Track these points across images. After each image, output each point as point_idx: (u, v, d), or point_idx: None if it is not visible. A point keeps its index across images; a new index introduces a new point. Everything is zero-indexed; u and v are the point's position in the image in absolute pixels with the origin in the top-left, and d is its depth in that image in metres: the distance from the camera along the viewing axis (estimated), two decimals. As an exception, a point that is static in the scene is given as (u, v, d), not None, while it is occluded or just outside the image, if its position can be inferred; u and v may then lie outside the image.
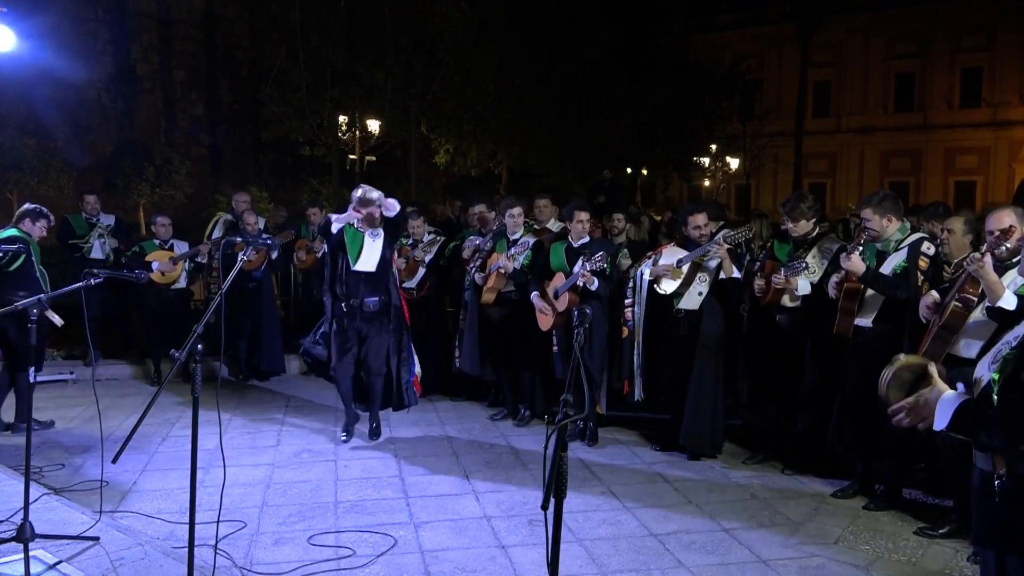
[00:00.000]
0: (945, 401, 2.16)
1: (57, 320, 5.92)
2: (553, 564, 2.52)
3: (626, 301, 6.08)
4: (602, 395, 6.25)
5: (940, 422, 2.15)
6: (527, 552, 4.23)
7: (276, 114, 17.30)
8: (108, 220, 8.94)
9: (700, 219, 5.81)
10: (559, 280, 6.18)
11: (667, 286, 5.79)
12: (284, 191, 19.54)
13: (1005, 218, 4.09)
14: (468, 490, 5.19)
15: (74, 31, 18.03)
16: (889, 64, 33.80)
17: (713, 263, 5.68)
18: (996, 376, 2.11)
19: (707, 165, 28.60)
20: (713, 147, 28.33)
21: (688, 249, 5.77)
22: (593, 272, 5.81)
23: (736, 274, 5.61)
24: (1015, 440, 1.99)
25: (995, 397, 2.09)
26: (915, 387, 2.29)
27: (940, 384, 2.23)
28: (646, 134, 23.22)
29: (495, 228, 7.09)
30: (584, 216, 6.21)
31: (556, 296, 6.14)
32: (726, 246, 5.52)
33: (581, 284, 5.88)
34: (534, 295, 6.26)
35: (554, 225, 7.35)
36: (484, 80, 17.70)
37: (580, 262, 5.87)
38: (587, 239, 6.24)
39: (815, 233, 5.45)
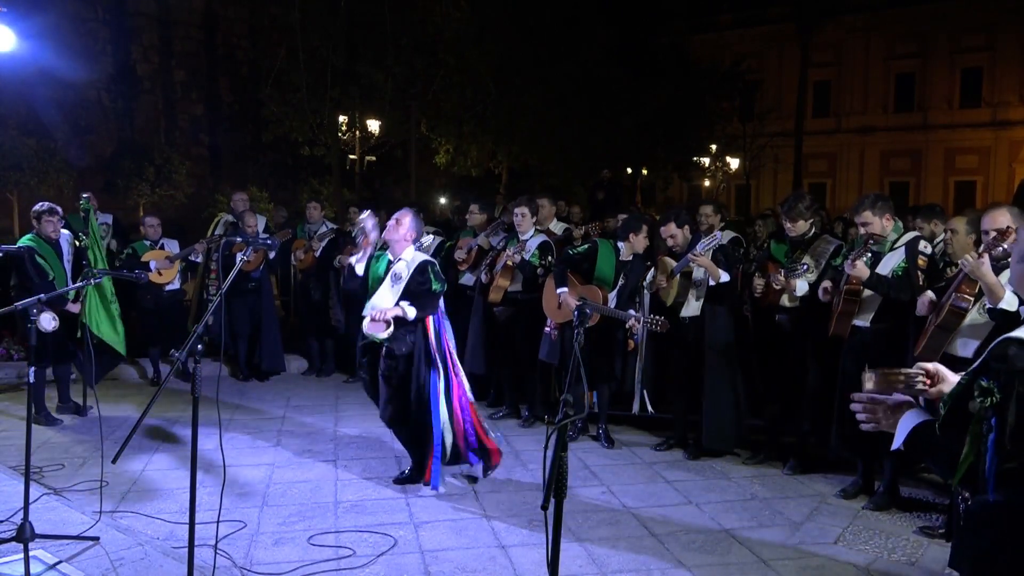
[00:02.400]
0: (906, 419, 2.11)
1: (45, 324, 5.65)
2: (553, 564, 2.52)
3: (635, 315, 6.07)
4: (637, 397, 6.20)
5: (897, 440, 2.11)
6: (527, 552, 4.23)
7: (276, 114, 17.30)
8: (105, 219, 8.91)
9: (667, 230, 5.88)
10: (593, 294, 5.96)
11: (667, 297, 5.84)
12: (284, 191, 19.54)
13: (1000, 218, 4.08)
14: (468, 490, 5.19)
15: (74, 31, 18.03)
16: (889, 64, 33.78)
17: (700, 272, 5.70)
18: (942, 406, 2.04)
19: (707, 165, 28.59)
20: (713, 147, 28.32)
21: (678, 260, 5.83)
22: (644, 325, 5.70)
23: (724, 278, 5.61)
24: (952, 467, 1.94)
25: (937, 427, 2.03)
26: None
27: (904, 404, 2.16)
28: (646, 134, 23.22)
29: (490, 229, 7.10)
30: (646, 231, 6.16)
31: (589, 312, 6.04)
32: (702, 256, 5.55)
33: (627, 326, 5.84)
34: (563, 291, 6.02)
35: (556, 226, 7.34)
36: (484, 80, 17.69)
37: (639, 315, 5.72)
38: (632, 255, 6.15)
39: (812, 233, 5.47)
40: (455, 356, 5.31)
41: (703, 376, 5.76)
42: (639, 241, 6.09)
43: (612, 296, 6.02)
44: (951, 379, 2.20)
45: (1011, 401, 1.85)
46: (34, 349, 3.89)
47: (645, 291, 5.96)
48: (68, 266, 6.69)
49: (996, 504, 1.89)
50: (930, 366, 2.24)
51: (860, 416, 2.20)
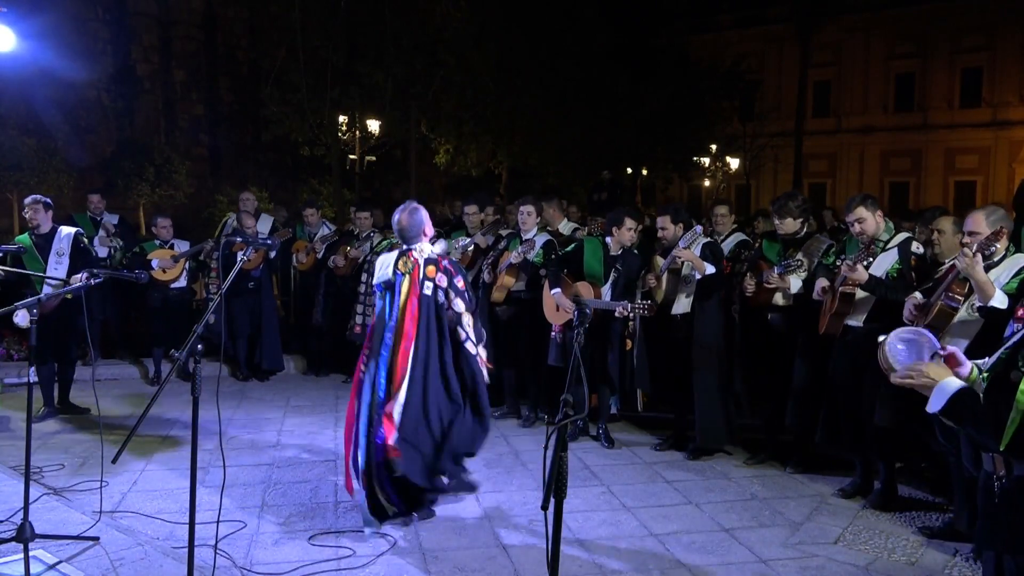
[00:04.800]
0: (944, 386, 2.24)
1: (21, 320, 5.54)
2: (553, 564, 2.52)
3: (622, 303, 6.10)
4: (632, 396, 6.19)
5: (934, 405, 2.24)
6: (527, 552, 4.23)
7: (276, 114, 17.30)
8: (112, 219, 8.95)
9: (662, 220, 5.97)
10: (586, 291, 6.01)
11: (658, 295, 5.87)
12: (284, 191, 19.55)
13: (982, 219, 4.13)
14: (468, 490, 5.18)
15: (74, 31, 18.01)
16: (889, 64, 33.80)
17: (688, 268, 5.73)
18: (986, 374, 2.21)
19: (707, 165, 28.63)
20: (713, 147, 28.36)
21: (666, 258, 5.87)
22: (633, 311, 5.72)
23: (710, 270, 5.64)
24: (996, 434, 2.06)
25: (981, 394, 2.18)
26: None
27: (943, 369, 2.31)
28: (646, 134, 23.26)
29: (487, 228, 7.11)
30: (634, 224, 6.15)
31: (589, 311, 6.02)
32: (684, 250, 5.59)
33: (617, 315, 5.82)
34: (557, 292, 6.05)
35: (565, 227, 7.34)
36: (484, 80, 17.70)
37: (627, 303, 5.70)
38: (621, 249, 6.15)
39: (804, 232, 5.48)
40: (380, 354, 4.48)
41: (692, 373, 5.78)
42: (624, 234, 6.09)
43: (606, 291, 6.04)
44: (967, 363, 2.38)
45: None
46: (35, 349, 3.89)
47: (638, 289, 5.99)
48: (56, 261, 6.41)
49: None
50: (951, 348, 2.42)
51: (897, 376, 2.39)
